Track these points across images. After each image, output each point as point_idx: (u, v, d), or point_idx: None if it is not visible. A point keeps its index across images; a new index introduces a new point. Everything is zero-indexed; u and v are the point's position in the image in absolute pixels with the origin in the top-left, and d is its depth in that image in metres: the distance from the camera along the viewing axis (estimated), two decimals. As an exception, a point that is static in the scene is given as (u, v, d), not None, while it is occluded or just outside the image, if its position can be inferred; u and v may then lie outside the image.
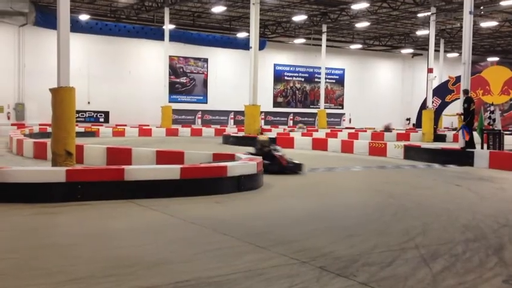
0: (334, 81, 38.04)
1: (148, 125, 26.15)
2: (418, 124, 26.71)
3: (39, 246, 5.05)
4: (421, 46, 36.27)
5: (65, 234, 5.64)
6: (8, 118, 26.91)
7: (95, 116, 29.33)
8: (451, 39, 33.34)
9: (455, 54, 36.17)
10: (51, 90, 9.17)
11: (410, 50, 38.45)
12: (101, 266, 4.38)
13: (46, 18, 24.93)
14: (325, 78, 31.96)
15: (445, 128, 30.30)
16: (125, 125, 25.67)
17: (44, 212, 6.59)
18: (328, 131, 25.59)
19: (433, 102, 24.49)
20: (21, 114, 27.16)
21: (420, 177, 11.60)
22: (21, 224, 6.06)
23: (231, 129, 25.97)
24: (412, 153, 15.35)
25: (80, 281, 3.95)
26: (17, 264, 4.41)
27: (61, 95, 9.08)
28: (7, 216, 6.34)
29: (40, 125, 22.28)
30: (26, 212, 6.52)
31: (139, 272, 4.23)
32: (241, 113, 23.16)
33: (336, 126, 33.44)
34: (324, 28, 30.25)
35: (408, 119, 38.59)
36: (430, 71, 24.28)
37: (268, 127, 28.77)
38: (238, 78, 31.51)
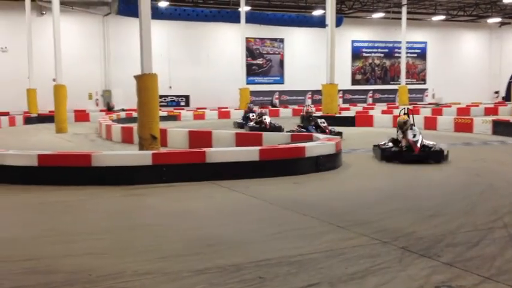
0: (415, 55, 36.66)
1: (227, 107, 26.60)
2: (507, 97, 25.20)
3: (130, 226, 5.37)
4: (509, 14, 34.03)
5: (152, 215, 5.95)
6: (97, 105, 28.37)
7: (176, 100, 30.24)
8: (543, 5, 31.00)
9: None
10: (136, 77, 9.57)
11: (498, 19, 36.17)
12: (186, 245, 4.59)
13: (128, 7, 25.81)
14: (406, 53, 30.87)
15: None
16: (205, 108, 26.26)
17: (132, 194, 6.97)
18: (410, 107, 24.76)
19: (523, 73, 22.99)
20: (108, 100, 28.52)
21: (510, 154, 11.01)
22: (114, 205, 6.44)
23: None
24: (501, 128, 14.56)
25: (167, 259, 4.17)
26: (111, 243, 4.71)
27: (145, 82, 9.47)
28: (101, 198, 6.76)
29: (126, 110, 23.31)
30: (117, 194, 6.93)
31: (222, 251, 4.39)
32: (319, 92, 22.94)
33: (418, 103, 32.30)
34: (404, 0, 29.13)
35: (497, 92, 36.52)
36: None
37: (346, 105, 28.32)
38: (315, 57, 31.13)
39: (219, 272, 3.83)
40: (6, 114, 22.17)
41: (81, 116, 23.65)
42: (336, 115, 19.69)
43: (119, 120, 18.81)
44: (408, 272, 3.79)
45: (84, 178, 7.46)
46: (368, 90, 35.32)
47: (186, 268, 3.92)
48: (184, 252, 4.38)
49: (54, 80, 18.29)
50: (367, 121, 18.70)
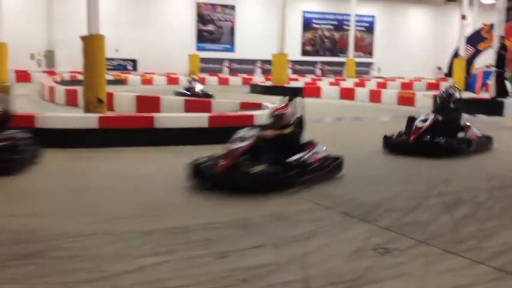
0: (363, 29, 37.19)
1: (175, 73, 26.26)
2: (449, 73, 26.10)
3: (77, 188, 5.33)
4: (455, -8, 34.91)
5: (100, 177, 5.93)
6: (39, 65, 27.30)
7: (123, 64, 29.52)
8: (487, -15, 32.02)
9: (491, 1, 34.82)
10: (82, 37, 9.30)
11: (444, -4, 37.12)
12: (134, 207, 4.62)
13: (74, -36, 24.79)
14: (355, 26, 31.28)
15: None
16: (153, 73, 25.82)
17: (79, 157, 6.87)
18: (357, 80, 25.30)
19: (465, 50, 23.86)
20: (51, 61, 27.50)
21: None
22: (60, 168, 6.35)
23: (259, 79, 25.91)
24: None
25: (114, 221, 4.20)
26: (56, 204, 4.68)
27: (91, 43, 9.21)
28: (47, 160, 6.63)
29: (71, 72, 22.60)
30: (63, 157, 6.82)
31: (170, 214, 4.46)
32: (269, 62, 23.00)
33: (364, 75, 32.97)
34: (355, -27, 29.35)
35: (439, 68, 37.73)
36: (463, 17, 23.53)
37: (295, 76, 28.56)
38: (266, 26, 31.05)
39: (166, 234, 3.90)
40: None
41: (23, 76, 22.74)
42: (285, 85, 19.89)
43: (63, 82, 18.23)
44: (348, 235, 3.98)
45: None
46: (317, 62, 35.66)
47: (133, 229, 3.97)
48: (132, 214, 4.41)
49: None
50: (315, 92, 18.99)
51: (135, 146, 7.49)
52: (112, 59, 28.28)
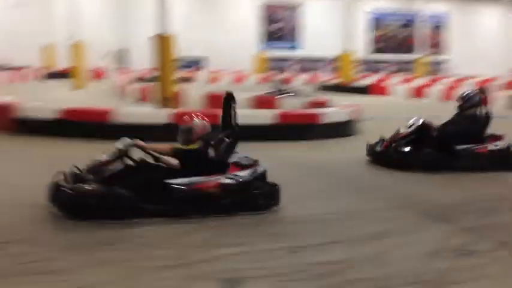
0: (435, 26, 36.05)
1: (242, 72, 26.52)
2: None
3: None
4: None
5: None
6: (113, 63, 28.37)
7: (191, 63, 30.14)
8: None
9: None
10: (153, 37, 9.59)
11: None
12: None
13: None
14: (426, 23, 30.35)
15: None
16: (220, 72, 26.21)
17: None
18: (428, 78, 24.52)
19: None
20: (124, 59, 28.51)
21: None
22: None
23: (326, 77, 25.69)
24: None
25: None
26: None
27: (162, 42, 9.48)
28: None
29: (143, 70, 23.31)
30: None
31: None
32: (337, 60, 22.77)
33: (436, 74, 31.93)
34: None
35: (515, 69, 35.97)
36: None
37: (363, 74, 28.08)
38: (334, 23, 30.70)
39: (239, 226, 3.95)
40: (23, 69, 22.31)
41: (98, 73, 23.73)
42: (352, 84, 19.64)
43: (135, 80, 18.86)
44: (425, 235, 3.87)
45: (102, 133, 7.57)
46: (386, 60, 34.92)
47: (208, 221, 4.04)
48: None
49: (72, 37, 18.32)
50: (384, 90, 18.61)
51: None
52: (181, 58, 28.96)
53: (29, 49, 24.33)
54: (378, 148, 6.44)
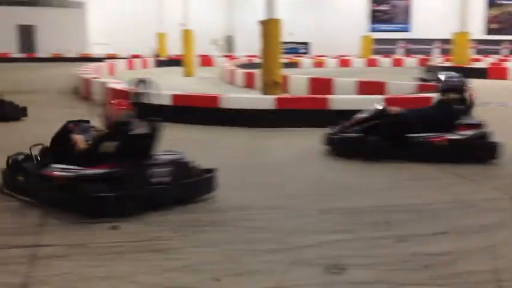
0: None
1: (347, 56, 26.03)
2: None
3: (256, 165, 5.61)
4: None
5: (276, 155, 6.16)
6: (220, 50, 29.17)
7: (296, 47, 30.11)
8: None
9: None
10: (260, 22, 9.66)
11: None
12: (307, 186, 4.73)
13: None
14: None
15: None
16: (325, 56, 25.90)
17: (258, 136, 7.22)
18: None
19: None
20: (230, 46, 29.21)
21: None
22: (242, 145, 6.76)
23: (437, 59, 24.46)
24: None
25: (293, 197, 4.33)
26: (239, 178, 4.95)
27: (269, 27, 9.53)
28: (228, 138, 7.11)
29: (248, 56, 23.71)
30: (244, 135, 7.29)
31: (342, 194, 4.46)
32: (448, 41, 21.58)
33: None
34: None
35: None
36: None
37: (479, 56, 26.38)
38: (446, 3, 29.15)
39: (342, 214, 3.92)
40: (138, 56, 23.62)
41: (206, 60, 24.49)
42: (467, 66, 18.49)
43: (241, 66, 19.23)
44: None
45: (212, 119, 7.84)
46: (503, 41, 32.49)
47: (310, 207, 4.05)
48: (307, 192, 4.52)
49: (182, 24, 19.05)
50: (502, 74, 17.35)
51: (308, 128, 7.52)
52: (286, 43, 29.03)
53: (146, 38, 25.72)
54: (330, 132, 6.03)
